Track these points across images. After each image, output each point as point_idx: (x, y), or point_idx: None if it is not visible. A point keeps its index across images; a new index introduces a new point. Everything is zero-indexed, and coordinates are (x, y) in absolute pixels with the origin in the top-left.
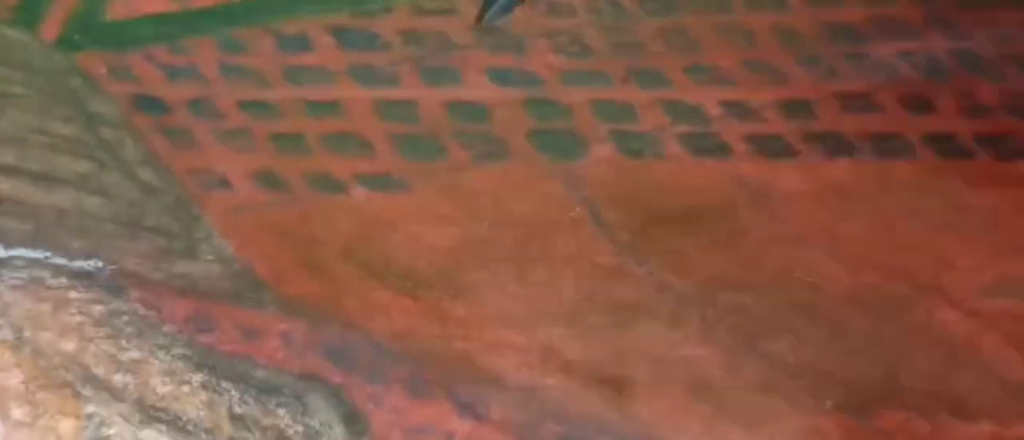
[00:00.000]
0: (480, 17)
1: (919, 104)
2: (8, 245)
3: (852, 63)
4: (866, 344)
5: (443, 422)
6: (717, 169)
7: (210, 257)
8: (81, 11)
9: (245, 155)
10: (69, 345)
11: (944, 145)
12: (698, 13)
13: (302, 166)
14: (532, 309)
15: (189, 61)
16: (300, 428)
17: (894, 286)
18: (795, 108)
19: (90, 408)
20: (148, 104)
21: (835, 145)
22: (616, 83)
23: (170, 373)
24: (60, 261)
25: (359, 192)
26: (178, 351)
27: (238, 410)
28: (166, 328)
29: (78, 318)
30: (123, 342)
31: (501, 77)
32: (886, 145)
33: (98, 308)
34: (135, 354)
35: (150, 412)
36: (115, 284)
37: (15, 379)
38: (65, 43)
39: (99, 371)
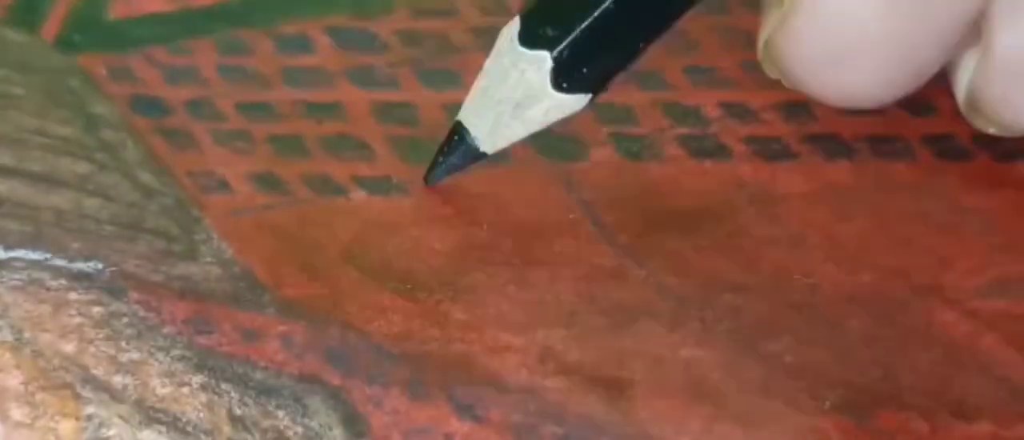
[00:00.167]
0: (428, 174)
1: (918, 105)
2: (8, 246)
3: None
4: (865, 345)
5: (442, 423)
6: (716, 171)
7: (210, 259)
8: (81, 11)
9: (244, 157)
10: (69, 346)
11: (943, 146)
12: (697, 14)
13: (301, 168)
14: (531, 311)
15: (188, 62)
16: (300, 430)
17: (893, 287)
18: (794, 110)
19: (90, 409)
20: (147, 105)
21: (834, 147)
22: (615, 85)
23: (170, 374)
24: (60, 263)
25: (358, 195)
26: (178, 353)
27: (238, 411)
28: (166, 330)
29: (78, 319)
30: (123, 343)
31: None
32: (885, 147)
33: (98, 309)
34: (135, 355)
35: (150, 413)
36: (115, 286)
37: (15, 380)
38: (64, 44)
39: (99, 372)
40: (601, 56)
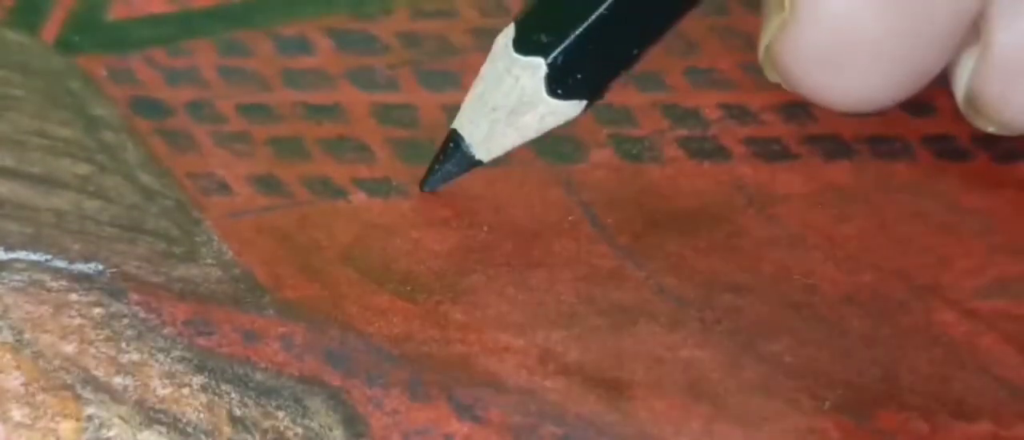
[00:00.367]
0: (424, 181)
1: (918, 106)
2: (8, 248)
3: None
4: (864, 345)
5: (442, 424)
6: (716, 172)
7: (210, 261)
8: (81, 13)
9: (244, 159)
10: (69, 347)
11: (943, 147)
12: (696, 16)
13: (301, 170)
14: (531, 312)
15: (189, 63)
16: (300, 430)
17: (892, 287)
18: (794, 111)
19: (90, 410)
20: (147, 107)
21: (834, 147)
22: (614, 87)
23: (170, 376)
24: (60, 264)
25: (358, 197)
26: (178, 354)
27: (238, 412)
28: (166, 331)
29: (78, 321)
30: (123, 345)
31: None
32: (885, 147)
33: (98, 311)
34: (135, 356)
35: (150, 414)
36: (115, 287)
37: (15, 381)
38: (65, 45)
39: (99, 373)
40: (596, 62)
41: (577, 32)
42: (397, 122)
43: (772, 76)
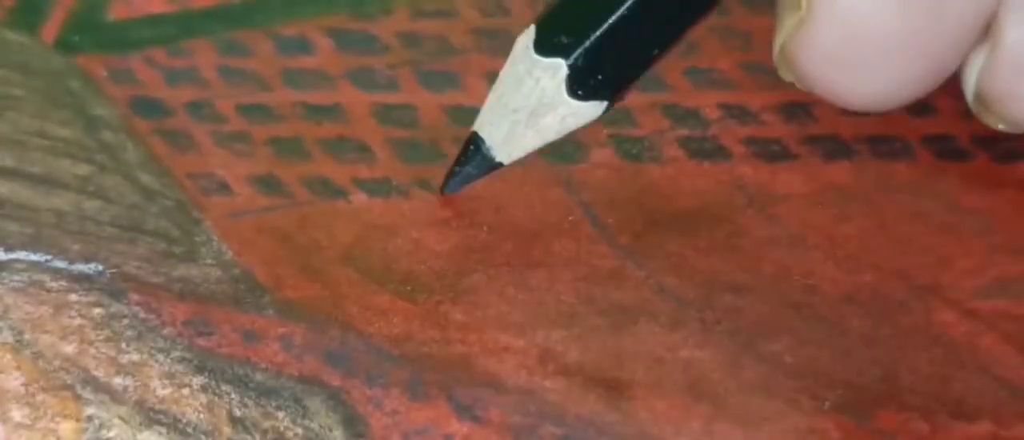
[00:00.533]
0: (442, 187)
1: (918, 106)
2: (8, 248)
3: None
4: (864, 345)
5: (442, 424)
6: (716, 172)
7: (210, 261)
8: (81, 13)
9: (244, 159)
10: (69, 348)
11: (943, 147)
12: None
13: (301, 170)
14: (531, 312)
15: (188, 63)
16: (300, 431)
17: (892, 287)
18: (794, 111)
19: (90, 410)
20: (147, 107)
21: (834, 147)
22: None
23: (170, 376)
24: (60, 264)
25: (358, 197)
26: (178, 354)
27: (238, 412)
28: (166, 331)
29: (78, 321)
30: (123, 345)
31: None
32: (885, 147)
33: (98, 311)
34: (135, 357)
35: (150, 414)
36: (115, 287)
37: (15, 381)
38: (64, 45)
39: (99, 374)
40: (616, 64)
41: (597, 33)
42: (397, 122)
43: (786, 76)
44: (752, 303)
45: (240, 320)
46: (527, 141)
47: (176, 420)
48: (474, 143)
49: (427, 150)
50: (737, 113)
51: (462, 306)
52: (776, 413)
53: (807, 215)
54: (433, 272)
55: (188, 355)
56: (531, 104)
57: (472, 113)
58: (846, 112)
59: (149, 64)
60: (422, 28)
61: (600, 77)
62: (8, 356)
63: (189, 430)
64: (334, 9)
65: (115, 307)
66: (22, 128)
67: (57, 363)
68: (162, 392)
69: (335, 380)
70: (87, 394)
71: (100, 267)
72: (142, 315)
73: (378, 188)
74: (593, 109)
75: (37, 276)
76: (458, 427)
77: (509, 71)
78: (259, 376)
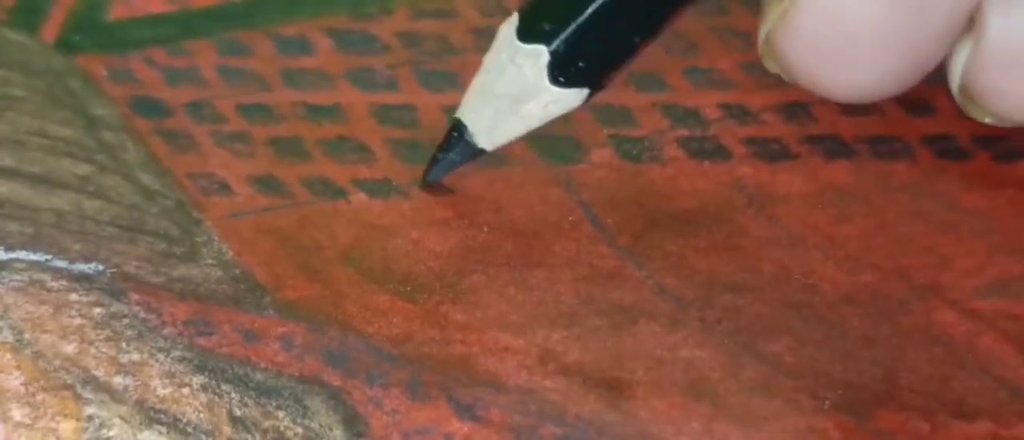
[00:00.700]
0: (425, 174)
1: (918, 106)
2: (9, 248)
3: None
4: (864, 345)
5: (442, 424)
6: (716, 172)
7: (210, 261)
8: (81, 13)
9: (244, 159)
10: (69, 347)
11: (943, 147)
12: (696, 16)
13: (301, 171)
14: (531, 312)
15: (189, 63)
16: (300, 430)
17: (892, 287)
18: (794, 111)
19: (90, 410)
20: (148, 107)
21: (834, 147)
22: (615, 87)
23: (170, 375)
24: (61, 264)
25: (358, 197)
26: (178, 354)
27: (238, 412)
28: (166, 331)
29: (78, 321)
30: (123, 345)
31: None
32: (885, 147)
33: (98, 311)
34: (135, 356)
35: (150, 414)
36: (115, 287)
37: (15, 381)
38: (65, 45)
39: (99, 373)
40: (598, 50)
41: (579, 20)
42: (397, 122)
43: (771, 66)
44: (752, 303)
45: (240, 320)
46: (510, 128)
47: (176, 420)
48: (457, 130)
49: (427, 150)
50: (737, 113)
51: (462, 306)
52: (776, 413)
53: (807, 215)
54: (433, 272)
55: (188, 355)
56: (514, 91)
57: None
58: (846, 112)
59: (149, 64)
60: (422, 28)
61: (582, 64)
62: (8, 356)
63: (189, 430)
64: (334, 9)
65: (115, 307)
66: (22, 128)
67: (57, 363)
68: (162, 392)
69: (335, 380)
70: (87, 394)
71: (100, 267)
72: (142, 315)
73: (378, 188)
74: (575, 96)
75: (37, 276)
76: (458, 427)
77: (492, 58)
78: (259, 376)
